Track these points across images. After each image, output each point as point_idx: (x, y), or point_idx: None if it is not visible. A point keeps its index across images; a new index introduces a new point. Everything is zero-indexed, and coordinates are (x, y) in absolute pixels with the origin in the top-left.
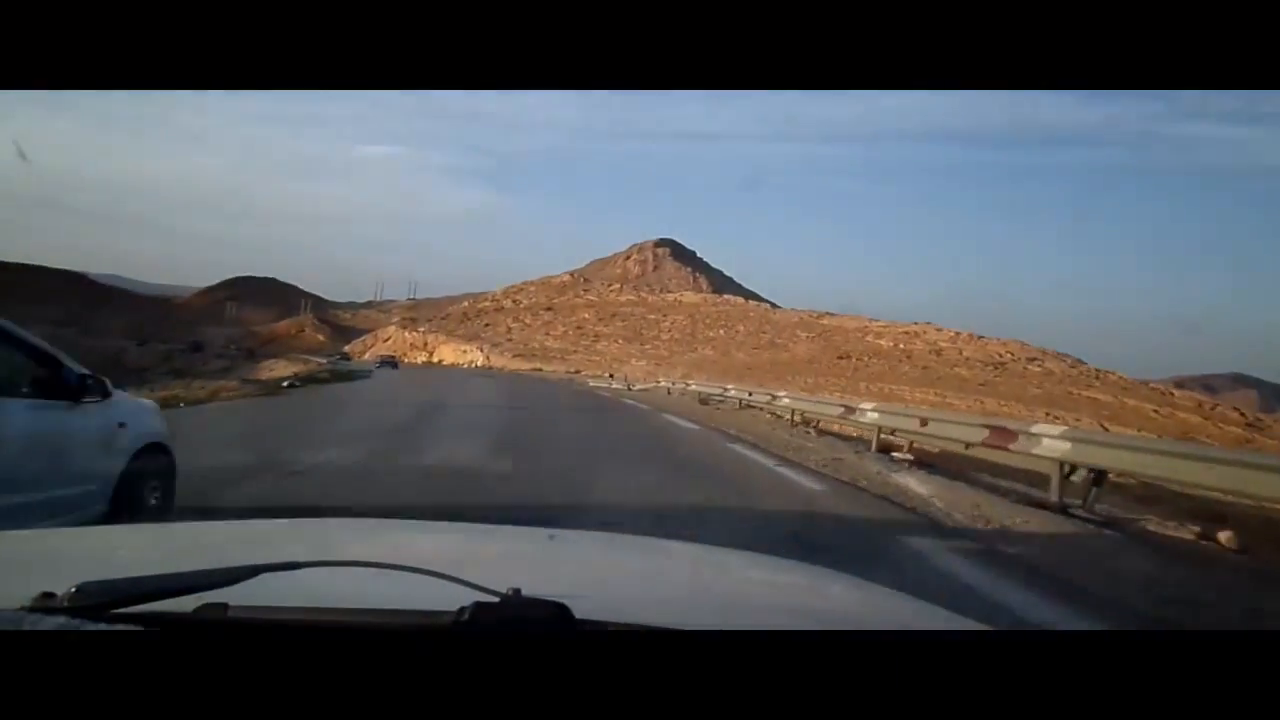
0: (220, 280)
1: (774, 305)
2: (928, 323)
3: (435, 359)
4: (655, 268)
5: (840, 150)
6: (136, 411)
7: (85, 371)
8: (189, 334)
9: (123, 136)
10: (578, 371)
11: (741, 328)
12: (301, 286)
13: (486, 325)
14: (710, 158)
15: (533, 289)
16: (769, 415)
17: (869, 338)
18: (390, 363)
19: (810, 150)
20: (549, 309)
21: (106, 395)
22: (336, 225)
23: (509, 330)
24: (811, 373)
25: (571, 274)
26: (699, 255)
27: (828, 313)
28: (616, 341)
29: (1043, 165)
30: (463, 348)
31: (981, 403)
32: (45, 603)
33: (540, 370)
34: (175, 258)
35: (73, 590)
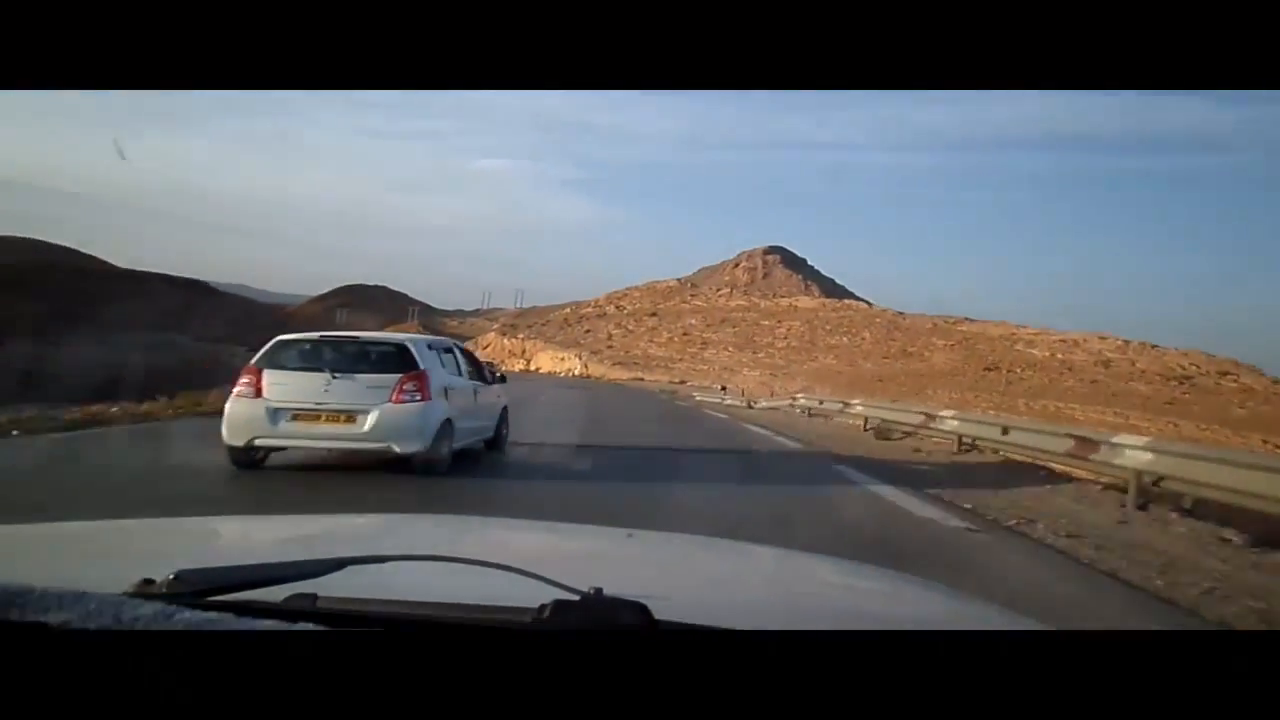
0: (332, 288)
1: (900, 312)
2: (1090, 330)
3: (532, 366)
4: (765, 275)
5: (958, 159)
6: (502, 391)
7: (499, 372)
8: None
9: (251, 153)
10: (682, 382)
11: (867, 335)
12: (411, 295)
13: (587, 331)
14: (820, 166)
15: (637, 294)
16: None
17: (1018, 347)
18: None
19: (926, 159)
20: (653, 314)
21: (502, 382)
22: (449, 236)
23: (609, 337)
24: (955, 386)
25: (679, 280)
26: (809, 263)
27: (965, 318)
28: (726, 349)
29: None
30: (560, 355)
31: (1176, 426)
32: (145, 589)
33: (641, 380)
34: (295, 268)
35: (171, 577)
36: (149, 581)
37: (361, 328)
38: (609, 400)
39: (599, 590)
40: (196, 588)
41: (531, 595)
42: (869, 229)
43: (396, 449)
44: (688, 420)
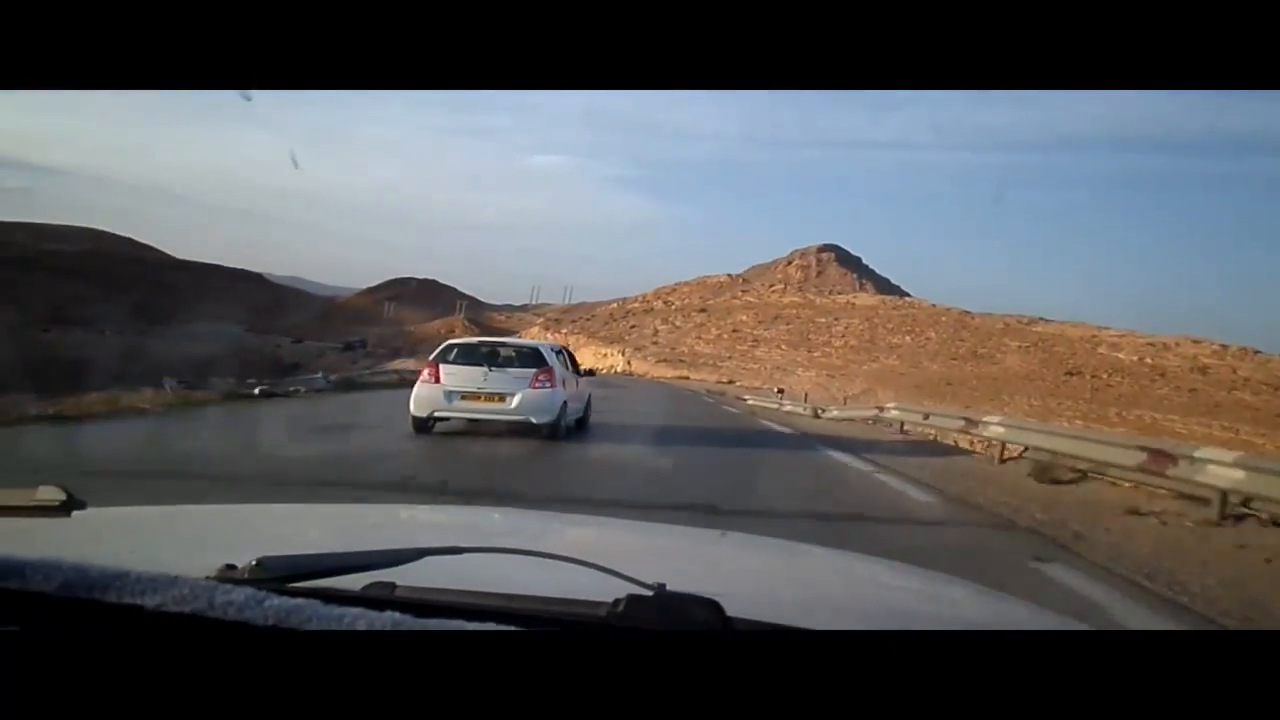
0: (382, 281)
1: (966, 311)
2: (1180, 333)
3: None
4: (819, 273)
5: (1013, 158)
6: (589, 382)
7: (588, 368)
8: (347, 332)
9: (311, 148)
10: (730, 381)
11: (932, 334)
12: (460, 289)
13: (632, 327)
14: (876, 165)
15: (686, 289)
16: None
17: (1101, 349)
18: None
19: (985, 158)
20: (702, 310)
21: (591, 375)
22: (501, 232)
23: (655, 333)
24: (1034, 392)
25: (730, 275)
26: (864, 261)
27: (1039, 318)
28: (779, 347)
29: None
30: (603, 351)
31: None
32: (228, 574)
33: (686, 378)
34: (349, 260)
35: (254, 563)
36: (231, 567)
37: (408, 320)
38: (640, 402)
39: (664, 586)
40: (279, 574)
41: (605, 590)
42: (925, 229)
43: (533, 420)
44: (738, 439)
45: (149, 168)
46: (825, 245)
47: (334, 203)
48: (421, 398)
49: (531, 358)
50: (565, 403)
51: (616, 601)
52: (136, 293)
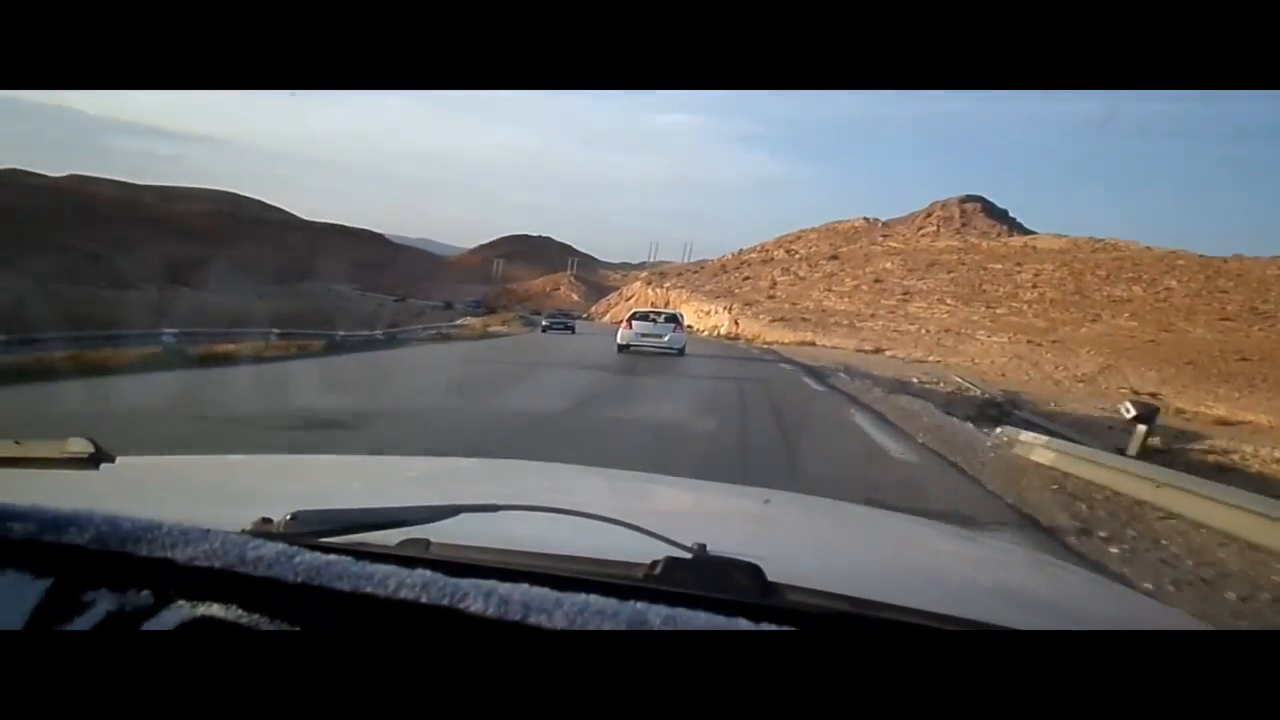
0: (493, 239)
1: (1211, 257)
2: None
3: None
4: (963, 225)
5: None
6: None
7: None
8: (453, 290)
9: (442, 112)
10: (879, 350)
11: (1174, 284)
12: (576, 247)
13: (745, 279)
14: (1018, 116)
15: (813, 236)
16: None
17: None
18: (562, 322)
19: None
20: (833, 258)
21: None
22: (623, 190)
23: (773, 284)
24: None
25: (866, 219)
26: (1011, 214)
27: None
28: (943, 302)
29: None
30: (706, 307)
31: None
32: (263, 528)
33: (812, 344)
34: (469, 220)
35: (288, 517)
36: (267, 521)
37: (516, 277)
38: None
39: (703, 547)
40: (313, 528)
41: (644, 551)
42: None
43: (674, 348)
44: None
45: (288, 134)
46: (969, 196)
47: (461, 164)
48: (623, 336)
49: (671, 317)
50: (684, 343)
51: (654, 563)
52: (255, 252)
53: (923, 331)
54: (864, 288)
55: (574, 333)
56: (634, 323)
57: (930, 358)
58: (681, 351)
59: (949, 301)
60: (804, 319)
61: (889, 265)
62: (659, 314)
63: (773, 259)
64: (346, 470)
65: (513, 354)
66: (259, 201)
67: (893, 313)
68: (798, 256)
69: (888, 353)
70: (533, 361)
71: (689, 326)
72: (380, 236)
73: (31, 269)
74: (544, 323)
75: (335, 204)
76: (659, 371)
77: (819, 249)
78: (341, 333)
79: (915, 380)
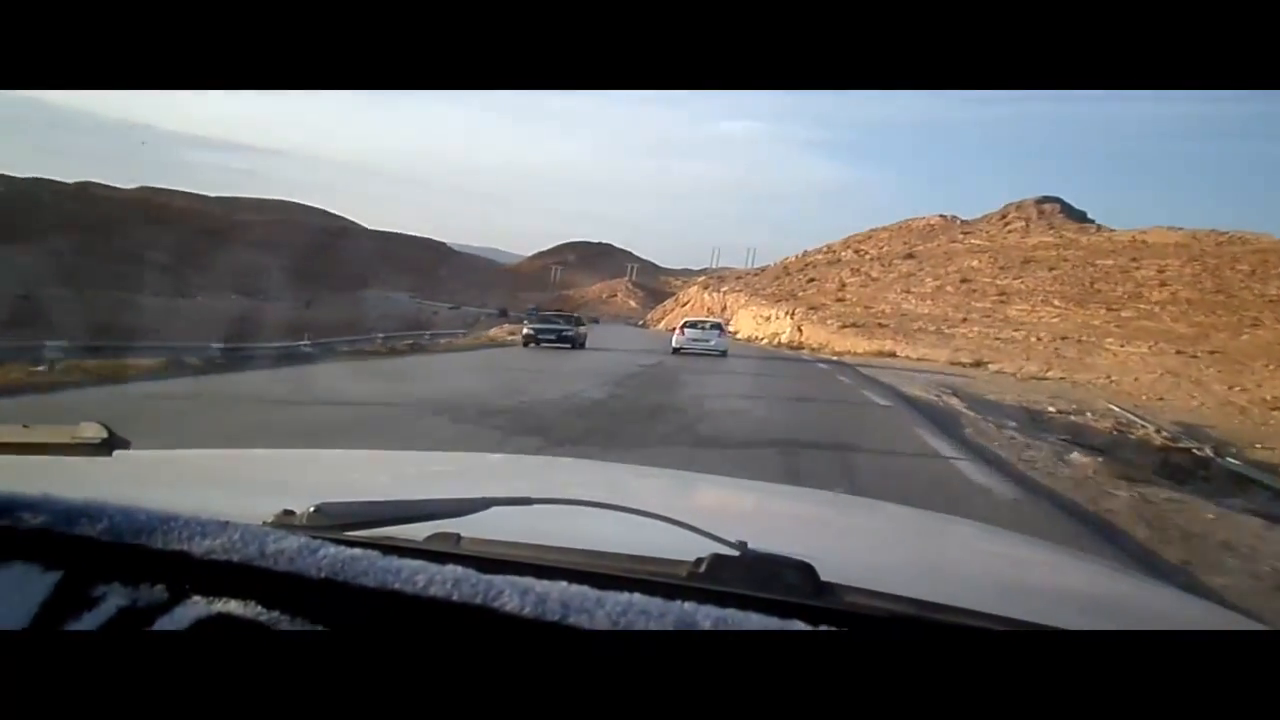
0: (553, 246)
1: None
2: None
3: (730, 329)
4: (1023, 236)
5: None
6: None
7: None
8: (511, 299)
9: (507, 122)
10: (979, 363)
11: None
12: (637, 253)
13: (810, 281)
14: (1085, 118)
15: (884, 236)
16: None
17: None
18: (556, 331)
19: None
20: (909, 256)
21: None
22: (685, 197)
23: (842, 286)
24: None
25: (943, 216)
26: (1089, 216)
27: None
28: (1049, 303)
29: None
30: (765, 313)
31: None
32: (285, 519)
33: (892, 355)
34: (534, 231)
35: (312, 510)
36: (289, 513)
37: (575, 284)
38: None
39: (744, 544)
40: (338, 521)
41: (686, 547)
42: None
43: (719, 350)
44: None
45: (358, 147)
46: (1045, 196)
47: (526, 175)
48: (677, 340)
49: (715, 325)
50: (727, 345)
51: (699, 560)
52: (316, 262)
53: (1033, 339)
54: (949, 288)
55: (578, 348)
56: (685, 330)
57: (1050, 373)
58: (724, 354)
59: (1057, 303)
60: (880, 324)
61: (975, 263)
62: (705, 322)
63: (840, 260)
64: (372, 463)
65: (423, 383)
66: (323, 211)
67: (989, 316)
68: (868, 257)
69: (991, 366)
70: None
71: (749, 336)
72: (442, 245)
73: (100, 279)
74: (527, 330)
75: (400, 214)
76: (667, 421)
77: (892, 248)
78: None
79: (1051, 409)
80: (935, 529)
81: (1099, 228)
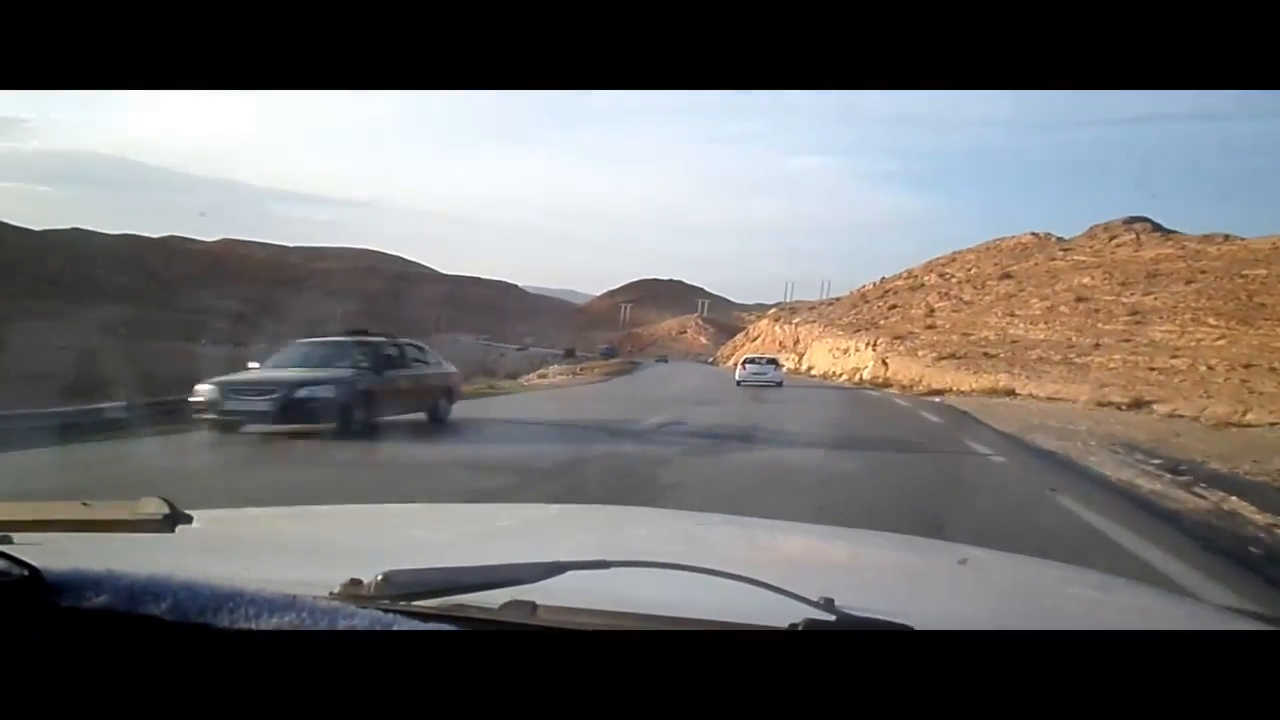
0: (622, 284)
1: None
2: None
3: (804, 365)
4: (1136, 251)
5: None
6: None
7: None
8: (579, 340)
9: (581, 166)
10: (1138, 402)
11: None
12: (708, 289)
13: (891, 308)
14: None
15: (971, 257)
16: None
17: None
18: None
19: None
20: (1006, 277)
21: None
22: (757, 233)
23: (930, 312)
24: None
25: (1035, 234)
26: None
27: None
28: (1202, 322)
29: None
30: (843, 345)
31: None
32: (354, 590)
33: (1011, 395)
34: (607, 271)
35: (379, 578)
36: (357, 582)
37: (644, 321)
38: None
39: (830, 601)
40: (407, 590)
41: (772, 610)
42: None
43: (774, 381)
44: None
45: (437, 195)
46: (1133, 216)
47: (599, 217)
48: (740, 374)
49: (771, 360)
50: (783, 378)
51: (792, 627)
52: (387, 306)
53: (1201, 368)
54: (1063, 309)
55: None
56: (746, 365)
57: (1249, 416)
58: (780, 384)
59: (1212, 321)
60: (986, 354)
61: (1088, 280)
62: (762, 358)
63: (924, 284)
64: (435, 519)
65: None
66: (398, 258)
67: (1128, 340)
68: (956, 279)
69: (1159, 407)
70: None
71: (825, 372)
72: (515, 287)
73: (165, 331)
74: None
75: (474, 258)
76: None
77: (982, 269)
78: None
79: None
80: (1050, 581)
81: (1226, 237)
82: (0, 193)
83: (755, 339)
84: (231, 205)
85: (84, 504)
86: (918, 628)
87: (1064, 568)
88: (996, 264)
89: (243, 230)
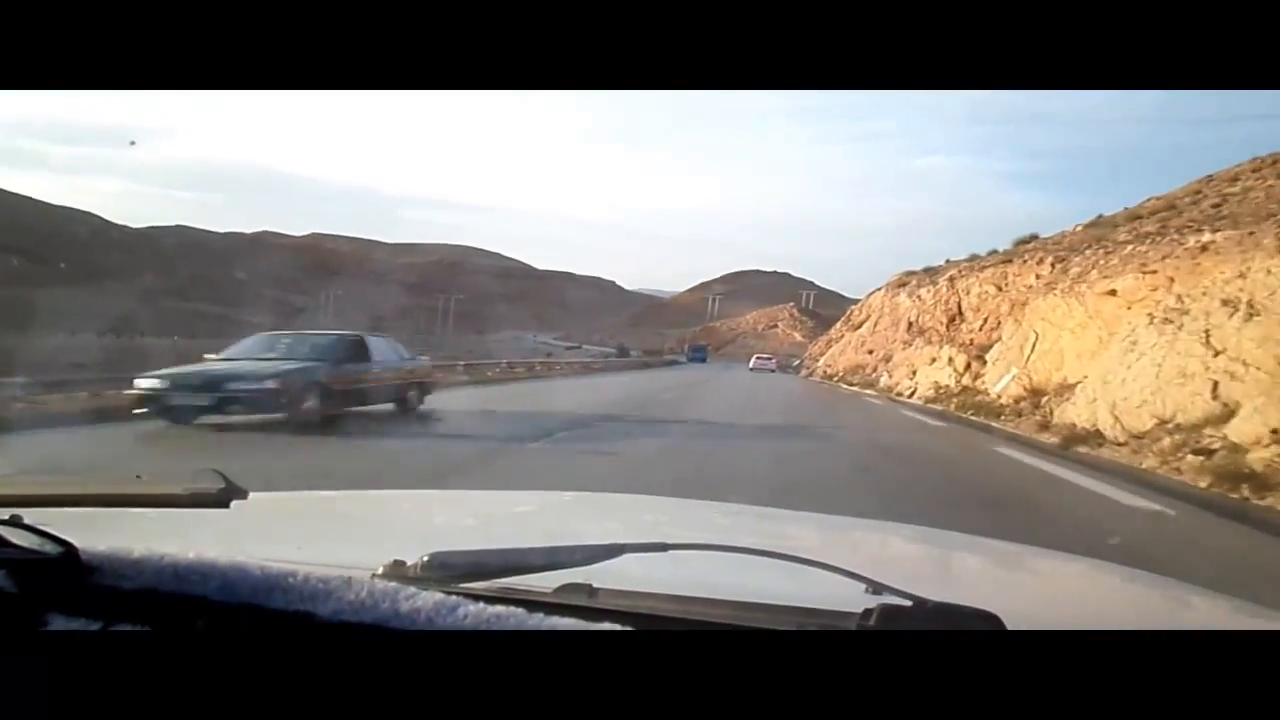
0: (717, 276)
1: None
2: None
3: (887, 379)
4: None
5: None
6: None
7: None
8: (654, 337)
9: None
10: None
11: None
12: (818, 282)
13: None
14: None
15: (1078, 234)
16: None
17: None
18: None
19: None
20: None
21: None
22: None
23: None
24: None
25: (1158, 198)
26: None
27: None
28: None
29: None
30: (932, 354)
31: None
32: (397, 570)
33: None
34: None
35: (424, 559)
36: (400, 563)
37: (729, 313)
38: None
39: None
40: (457, 572)
41: (842, 596)
42: None
43: (770, 370)
44: None
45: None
46: None
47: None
48: (752, 365)
49: (770, 357)
50: (787, 369)
51: (867, 612)
52: (465, 303)
53: None
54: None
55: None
56: (755, 359)
57: None
58: (774, 371)
59: None
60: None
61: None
62: (767, 356)
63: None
64: (477, 504)
65: None
66: (483, 250)
67: None
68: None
69: None
70: None
71: (907, 394)
72: (611, 284)
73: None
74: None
75: (573, 256)
76: None
77: (1081, 237)
78: None
79: None
80: (1078, 569)
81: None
82: (142, 197)
83: (859, 324)
84: (365, 210)
85: (138, 478)
86: (1008, 622)
87: (1114, 568)
88: (1089, 234)
89: (378, 233)
